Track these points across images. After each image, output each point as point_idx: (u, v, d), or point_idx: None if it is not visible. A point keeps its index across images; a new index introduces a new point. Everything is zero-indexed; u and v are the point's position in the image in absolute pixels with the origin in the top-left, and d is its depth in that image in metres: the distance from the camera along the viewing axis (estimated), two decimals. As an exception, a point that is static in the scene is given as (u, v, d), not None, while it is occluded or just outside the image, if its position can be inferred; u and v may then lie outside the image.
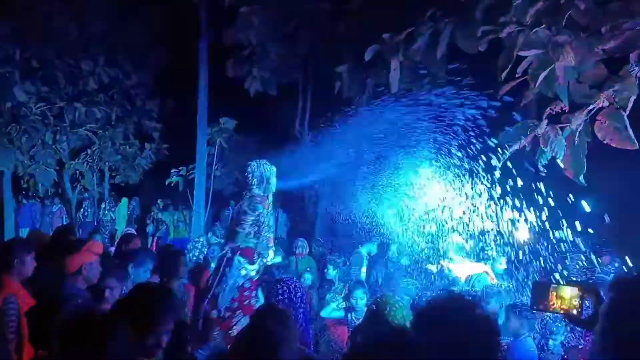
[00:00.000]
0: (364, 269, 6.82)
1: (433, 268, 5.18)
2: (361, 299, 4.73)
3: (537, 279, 4.83)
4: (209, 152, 11.84)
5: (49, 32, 9.76)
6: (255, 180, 4.48)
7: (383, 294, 3.11)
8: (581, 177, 2.94)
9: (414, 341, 1.62)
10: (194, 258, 7.08)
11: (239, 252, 4.32)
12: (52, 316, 2.93)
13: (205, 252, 7.05)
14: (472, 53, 3.89)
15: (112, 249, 7.04)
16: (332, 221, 10.19)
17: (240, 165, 13.41)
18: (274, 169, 4.63)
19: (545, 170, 3.12)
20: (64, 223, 12.10)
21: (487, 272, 4.85)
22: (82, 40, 10.44)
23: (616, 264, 5.78)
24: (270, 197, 4.63)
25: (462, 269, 4.89)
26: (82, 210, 13.03)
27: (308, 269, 7.04)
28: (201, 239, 7.68)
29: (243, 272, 4.24)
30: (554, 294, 2.20)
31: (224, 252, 4.43)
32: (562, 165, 2.91)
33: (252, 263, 4.32)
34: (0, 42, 9.38)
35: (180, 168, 12.59)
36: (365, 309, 4.71)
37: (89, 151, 11.79)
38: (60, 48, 10.17)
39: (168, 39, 11.21)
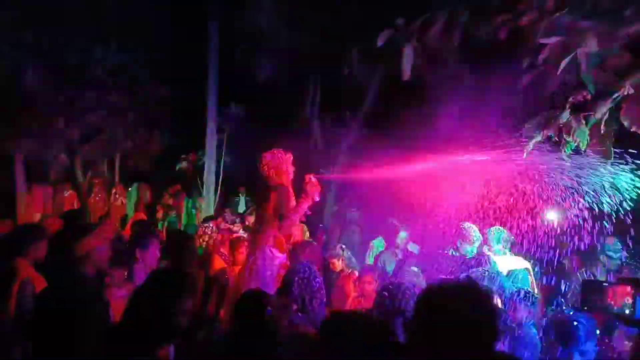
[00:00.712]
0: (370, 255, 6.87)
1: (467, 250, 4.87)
2: (369, 284, 4.76)
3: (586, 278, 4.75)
4: (219, 138, 11.84)
5: (60, 17, 9.74)
6: (272, 171, 4.40)
7: (394, 282, 3.10)
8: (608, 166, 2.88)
9: None
10: (204, 244, 7.13)
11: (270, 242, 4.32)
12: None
13: (214, 238, 7.07)
14: (488, 40, 3.82)
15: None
16: (340, 209, 10.18)
17: (249, 152, 13.41)
18: (290, 156, 4.53)
19: (570, 161, 3.06)
20: (75, 209, 12.17)
21: (528, 269, 4.67)
22: (92, 27, 10.41)
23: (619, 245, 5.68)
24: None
25: (503, 262, 4.61)
26: (92, 195, 13.10)
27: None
28: (211, 225, 7.70)
29: (277, 261, 4.25)
30: (606, 293, 2.12)
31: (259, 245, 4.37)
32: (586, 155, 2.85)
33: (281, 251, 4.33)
34: (11, 27, 9.37)
35: (190, 154, 12.61)
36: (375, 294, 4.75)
37: (100, 138, 11.83)
38: (71, 33, 10.14)
39: (178, 25, 11.15)
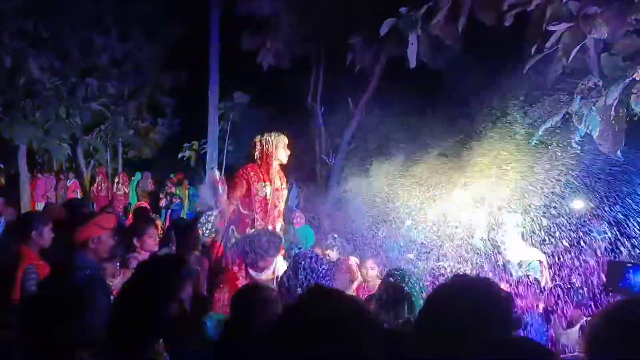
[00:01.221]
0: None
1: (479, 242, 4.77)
2: (372, 269, 4.78)
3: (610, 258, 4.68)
4: (222, 126, 11.81)
5: (60, 5, 9.68)
6: (256, 153, 4.42)
7: (398, 267, 3.10)
8: (618, 152, 2.85)
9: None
10: (207, 232, 7.12)
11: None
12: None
13: (217, 225, 7.07)
14: (491, 25, 3.78)
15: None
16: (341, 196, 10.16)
17: (252, 139, 13.40)
18: (281, 139, 4.49)
19: (579, 147, 3.02)
20: (78, 197, 12.21)
21: (542, 262, 4.51)
22: (94, 14, 10.35)
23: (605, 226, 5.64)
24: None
25: (517, 250, 4.49)
26: (95, 184, 13.14)
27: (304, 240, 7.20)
28: (214, 213, 7.69)
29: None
30: (631, 273, 2.10)
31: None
32: (597, 141, 2.82)
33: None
34: (13, 15, 9.32)
35: (192, 142, 12.60)
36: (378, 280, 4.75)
37: (102, 126, 11.82)
38: (73, 22, 10.09)
39: (180, 12, 11.07)
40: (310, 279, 2.73)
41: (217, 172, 4.61)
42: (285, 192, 4.76)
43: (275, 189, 4.51)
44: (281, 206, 4.64)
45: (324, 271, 2.75)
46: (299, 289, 2.66)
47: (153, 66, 11.97)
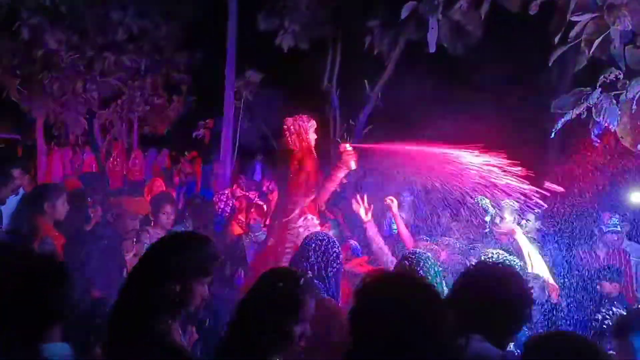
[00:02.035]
0: None
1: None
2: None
3: None
4: (236, 105, 11.80)
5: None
6: (293, 136, 4.25)
7: (414, 251, 3.09)
8: (639, 146, 2.81)
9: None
10: (220, 210, 7.20)
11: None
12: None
13: (230, 205, 7.14)
14: (515, 12, 3.72)
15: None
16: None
17: (266, 119, 13.41)
18: (312, 123, 4.35)
19: (598, 141, 2.98)
20: (94, 171, 12.37)
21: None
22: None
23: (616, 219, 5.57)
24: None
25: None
26: (111, 159, 13.28)
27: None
28: (226, 192, 7.76)
29: (317, 228, 4.05)
30: None
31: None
32: (618, 135, 2.78)
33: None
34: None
35: (207, 120, 12.63)
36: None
37: (119, 101, 11.90)
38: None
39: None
40: (321, 262, 2.73)
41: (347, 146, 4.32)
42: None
43: None
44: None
45: (334, 254, 2.75)
46: (309, 272, 2.67)
47: (169, 44, 11.97)
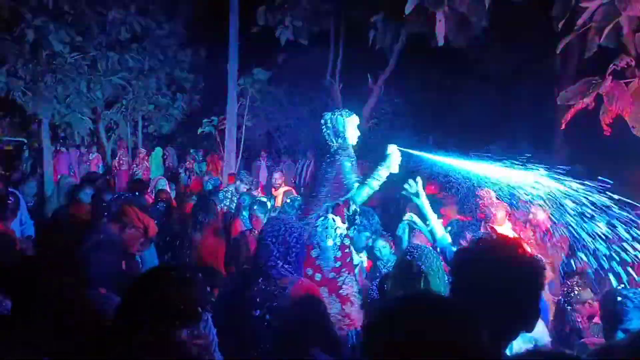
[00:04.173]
0: None
1: None
2: (384, 248, 4.76)
3: None
4: (240, 102, 11.79)
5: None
6: (329, 132, 4.07)
7: (416, 245, 3.04)
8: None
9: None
10: (225, 207, 7.21)
11: (332, 210, 4.02)
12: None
13: (235, 201, 7.13)
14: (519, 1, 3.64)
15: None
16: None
17: (270, 116, 13.40)
18: (353, 118, 4.14)
19: (610, 130, 2.89)
20: (100, 171, 12.42)
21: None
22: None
23: None
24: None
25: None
26: (117, 158, 13.33)
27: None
28: (230, 189, 7.77)
29: (339, 230, 4.00)
30: None
31: (315, 212, 4.07)
32: (629, 123, 2.70)
33: (343, 220, 4.06)
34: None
35: (212, 118, 12.63)
36: (392, 257, 4.72)
37: (124, 101, 11.93)
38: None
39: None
40: (282, 249, 2.71)
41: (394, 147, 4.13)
42: None
43: None
44: None
45: (294, 239, 2.73)
46: (277, 260, 2.68)
47: (173, 42, 11.97)
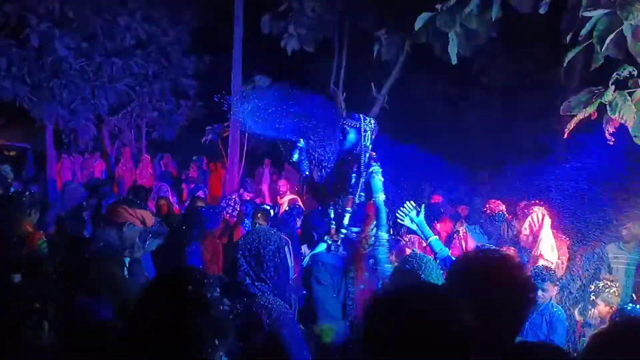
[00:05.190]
0: None
1: None
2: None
3: None
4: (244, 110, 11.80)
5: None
6: (366, 135, 4.02)
7: (415, 254, 3.01)
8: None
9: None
10: (228, 215, 7.19)
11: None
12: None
13: (238, 209, 7.13)
14: (525, 11, 3.65)
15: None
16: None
17: (274, 124, 13.38)
18: (369, 122, 4.09)
19: (613, 139, 2.89)
20: (104, 177, 12.44)
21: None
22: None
23: None
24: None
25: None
26: (120, 165, 13.34)
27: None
28: (234, 196, 7.76)
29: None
30: None
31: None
32: (632, 133, 2.69)
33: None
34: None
35: (215, 125, 12.64)
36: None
37: (128, 108, 11.96)
38: (98, 3, 10.18)
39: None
40: (254, 264, 2.48)
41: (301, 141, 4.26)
42: None
43: None
44: None
45: (270, 251, 2.49)
46: (245, 279, 2.46)
47: (177, 48, 12.02)
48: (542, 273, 3.73)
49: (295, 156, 4.19)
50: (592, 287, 3.92)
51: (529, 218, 4.40)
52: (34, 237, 3.73)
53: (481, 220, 5.60)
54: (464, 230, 5.18)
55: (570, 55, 2.89)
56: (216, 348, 1.69)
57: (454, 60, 4.76)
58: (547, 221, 4.29)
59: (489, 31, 4.75)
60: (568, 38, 2.71)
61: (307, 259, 4.05)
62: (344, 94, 10.57)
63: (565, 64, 3.05)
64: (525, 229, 4.43)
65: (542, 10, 3.04)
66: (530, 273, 3.56)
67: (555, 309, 3.75)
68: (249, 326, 2.31)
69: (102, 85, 10.95)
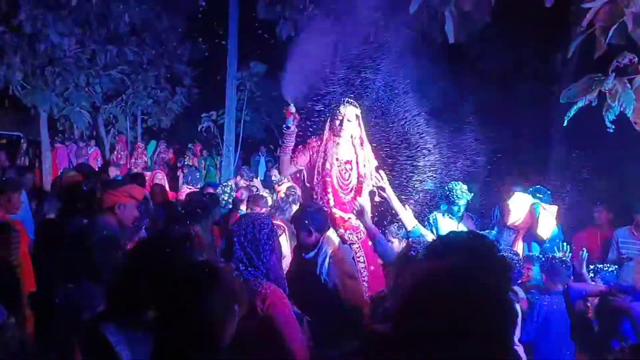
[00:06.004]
0: None
1: None
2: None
3: None
4: (239, 97, 11.75)
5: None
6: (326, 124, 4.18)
7: (419, 240, 2.99)
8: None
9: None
10: (224, 202, 7.17)
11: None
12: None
13: (234, 196, 7.11)
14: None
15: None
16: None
17: (269, 111, 13.35)
18: (350, 109, 4.19)
19: (613, 127, 2.89)
20: (99, 165, 12.40)
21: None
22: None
23: None
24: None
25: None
26: (115, 153, 13.30)
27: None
28: (230, 183, 7.74)
29: None
30: None
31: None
32: (632, 119, 2.69)
33: None
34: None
35: (211, 113, 12.59)
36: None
37: (123, 95, 11.88)
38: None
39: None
40: (249, 249, 2.47)
41: (292, 107, 4.24)
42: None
43: (345, 162, 4.19)
44: (353, 182, 4.20)
45: (264, 236, 2.48)
46: (239, 265, 2.44)
47: (172, 35, 11.91)
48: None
49: (290, 125, 4.20)
50: None
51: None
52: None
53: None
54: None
55: (573, 46, 2.88)
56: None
57: (451, 40, 4.75)
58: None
59: (484, 15, 4.72)
60: (578, 31, 2.69)
61: None
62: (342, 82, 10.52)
63: (569, 56, 3.03)
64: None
65: (548, 4, 3.03)
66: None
67: None
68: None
69: (96, 72, 10.85)
